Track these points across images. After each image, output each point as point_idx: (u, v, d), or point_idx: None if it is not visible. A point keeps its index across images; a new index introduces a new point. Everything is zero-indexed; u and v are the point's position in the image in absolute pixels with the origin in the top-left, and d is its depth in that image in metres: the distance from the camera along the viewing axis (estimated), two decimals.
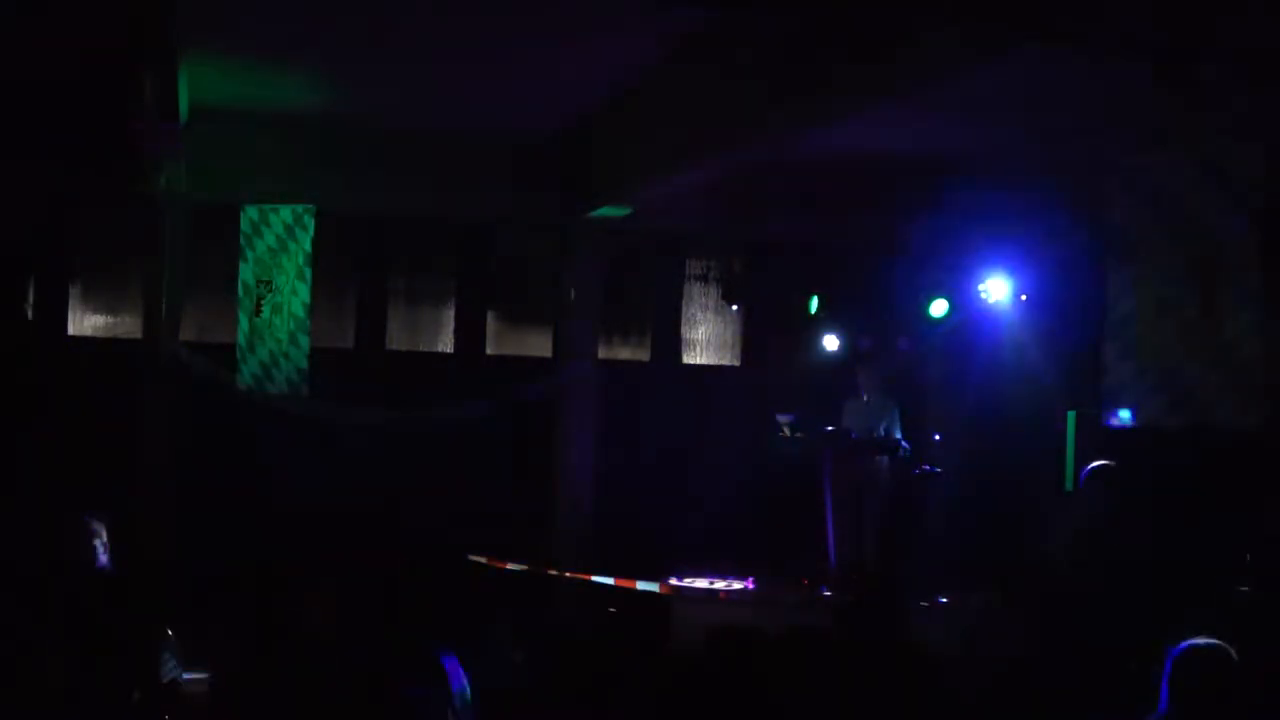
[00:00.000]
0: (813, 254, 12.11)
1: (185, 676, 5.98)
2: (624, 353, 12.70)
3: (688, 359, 12.91)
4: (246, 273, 10.72)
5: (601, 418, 11.87)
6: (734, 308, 12.24)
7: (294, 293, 10.76)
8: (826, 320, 12.05)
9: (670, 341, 12.80)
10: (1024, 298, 11.25)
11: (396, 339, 12.21)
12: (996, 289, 11.40)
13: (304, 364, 10.68)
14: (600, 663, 4.90)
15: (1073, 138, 10.09)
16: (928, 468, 11.30)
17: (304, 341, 10.68)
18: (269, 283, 10.74)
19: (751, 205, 11.72)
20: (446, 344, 12.34)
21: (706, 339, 12.91)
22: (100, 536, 5.88)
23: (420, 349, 12.29)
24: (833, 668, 4.46)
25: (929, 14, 6.24)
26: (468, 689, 4.80)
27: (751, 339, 12.93)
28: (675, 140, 9.41)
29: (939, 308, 11.61)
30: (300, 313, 10.75)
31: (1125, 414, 7.44)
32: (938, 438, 11.68)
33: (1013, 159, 11.03)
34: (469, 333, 12.28)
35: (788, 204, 11.69)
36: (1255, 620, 7.07)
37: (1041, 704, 4.73)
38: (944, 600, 10.09)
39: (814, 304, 12.02)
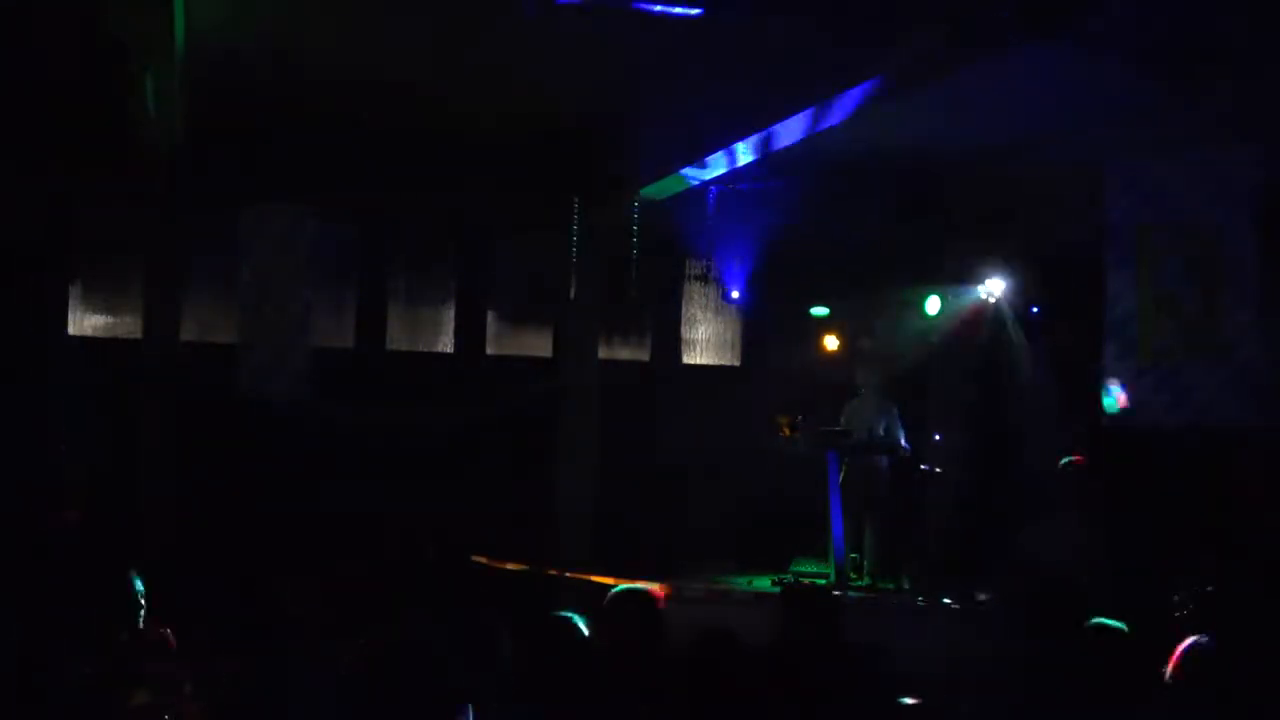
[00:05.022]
0: (813, 253, 12.09)
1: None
2: (624, 353, 12.70)
3: (688, 359, 12.90)
4: (246, 273, 10.72)
5: (601, 418, 11.87)
6: (736, 294, 12.22)
7: (294, 293, 10.76)
8: (827, 320, 12.06)
9: (670, 341, 12.79)
10: (1035, 310, 11.24)
11: (396, 339, 12.20)
12: (996, 289, 11.41)
13: (304, 364, 10.68)
14: (598, 662, 4.89)
15: (1073, 138, 10.10)
16: (927, 468, 11.30)
17: (304, 341, 10.68)
18: (269, 283, 10.74)
19: (752, 204, 11.73)
20: (446, 344, 12.33)
21: (706, 339, 12.90)
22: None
23: (420, 349, 12.28)
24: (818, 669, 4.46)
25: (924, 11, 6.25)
26: None
27: (751, 339, 12.93)
28: (675, 140, 9.42)
29: (933, 305, 11.63)
30: (300, 313, 10.75)
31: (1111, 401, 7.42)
32: (938, 438, 11.67)
33: (1013, 159, 11.04)
34: (469, 333, 12.27)
35: (788, 203, 11.69)
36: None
37: (1041, 702, 4.73)
38: (944, 600, 10.09)
39: (817, 309, 12.04)
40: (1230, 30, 6.86)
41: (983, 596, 9.73)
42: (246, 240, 10.71)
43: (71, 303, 11.45)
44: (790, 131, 8.91)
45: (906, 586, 10.63)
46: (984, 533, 10.91)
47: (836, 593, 10.04)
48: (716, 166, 9.94)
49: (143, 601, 5.85)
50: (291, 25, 8.57)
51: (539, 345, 12.44)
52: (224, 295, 11.07)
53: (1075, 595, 5.55)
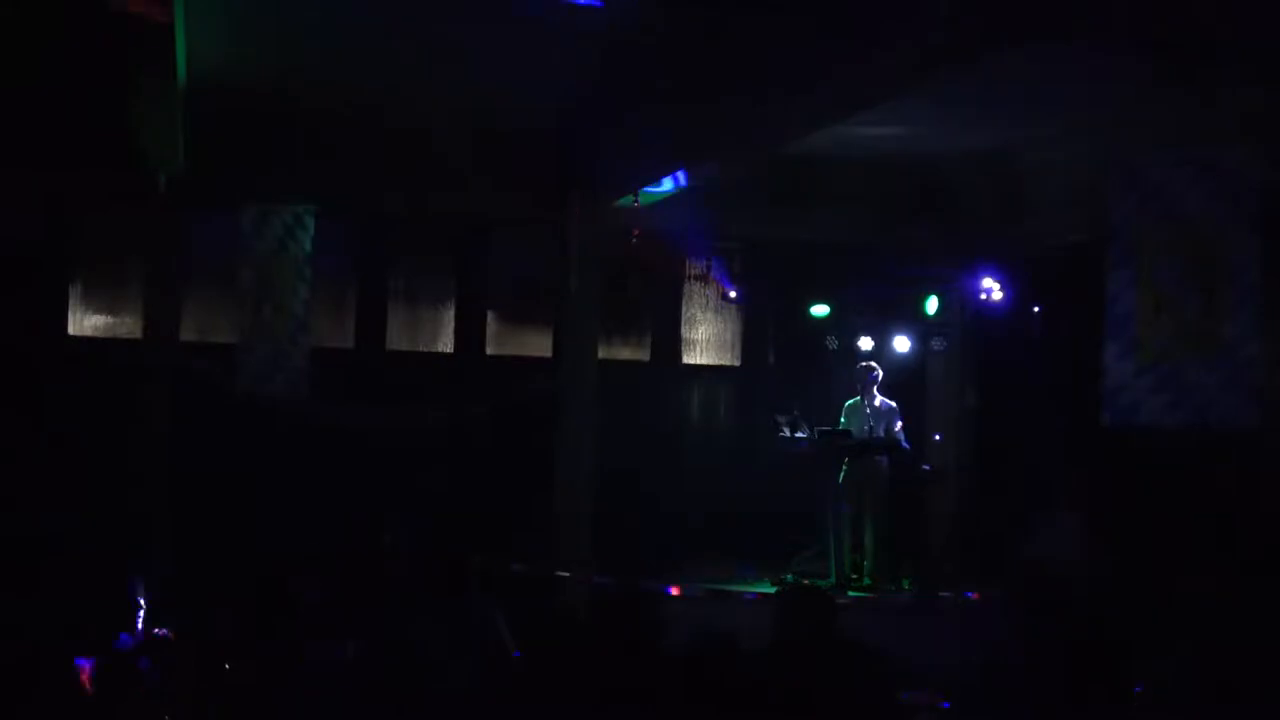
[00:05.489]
0: (813, 254, 12.09)
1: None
2: (624, 353, 12.69)
3: (688, 359, 12.89)
4: (246, 273, 10.72)
5: (601, 418, 11.86)
6: (733, 293, 12.22)
7: (294, 293, 10.76)
8: (828, 320, 12.07)
9: (670, 341, 12.79)
10: (1036, 309, 11.25)
11: (396, 339, 12.20)
12: (996, 289, 11.41)
13: (304, 364, 10.68)
14: (598, 662, 4.89)
15: (1074, 138, 10.10)
16: (927, 468, 11.30)
17: (304, 341, 10.68)
18: (269, 283, 10.74)
19: (752, 204, 11.73)
20: (446, 344, 12.32)
21: (706, 339, 12.90)
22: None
23: (420, 349, 12.28)
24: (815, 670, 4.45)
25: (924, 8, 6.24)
26: None
27: (751, 339, 12.92)
28: (673, 139, 9.40)
29: (933, 305, 11.65)
30: (300, 313, 10.75)
31: None
32: (938, 438, 11.68)
33: (1013, 159, 11.04)
34: (469, 333, 12.27)
35: (788, 203, 11.69)
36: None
37: (1037, 702, 4.74)
38: (943, 598, 10.10)
39: (817, 309, 12.03)
40: (1232, 30, 6.85)
41: (980, 596, 9.73)
42: (246, 240, 10.71)
43: (71, 303, 11.45)
44: (782, 136, 8.89)
45: (906, 586, 10.64)
46: (984, 533, 10.93)
47: (836, 593, 10.05)
48: (709, 169, 9.94)
49: (142, 602, 5.85)
50: (291, 34, 8.59)
51: (539, 345, 12.44)
52: (224, 295, 11.07)
53: (1073, 594, 5.55)
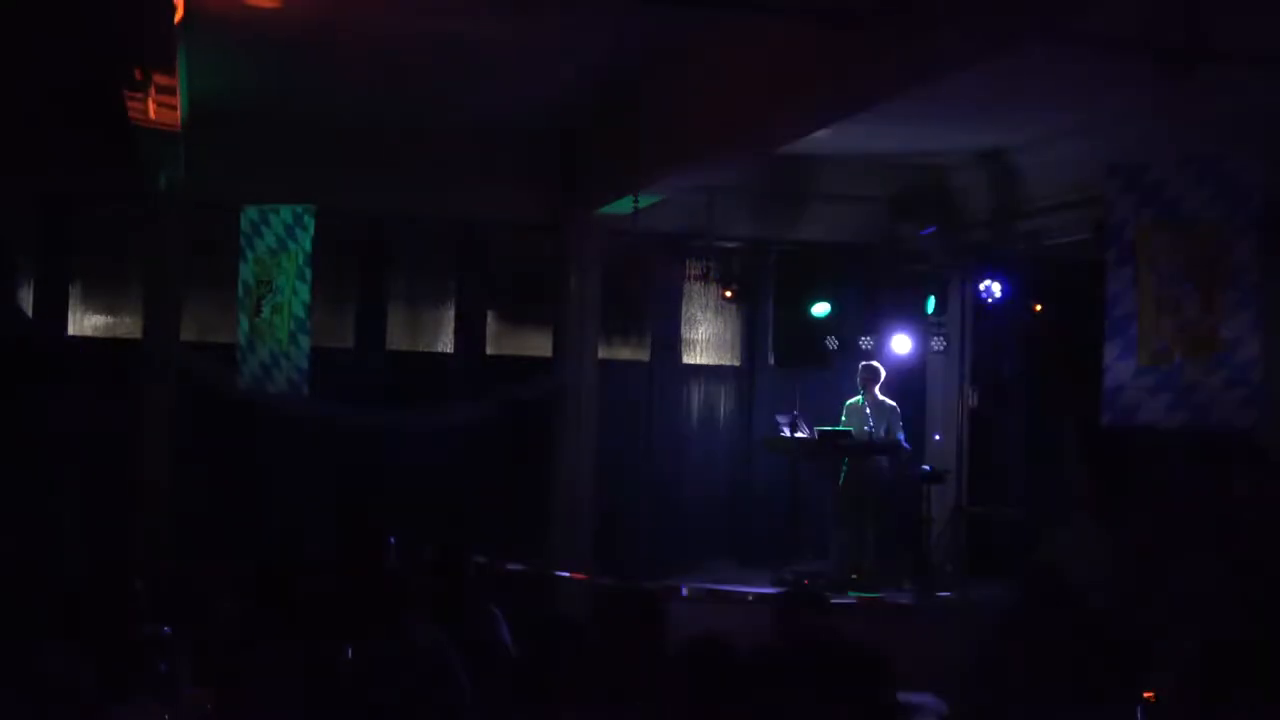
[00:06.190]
0: (813, 254, 12.09)
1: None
2: (624, 353, 12.68)
3: (688, 359, 12.89)
4: (246, 273, 10.71)
5: (601, 418, 11.86)
6: (729, 294, 12.21)
7: (294, 293, 10.74)
8: (828, 320, 12.05)
9: (670, 341, 12.78)
10: (1038, 308, 11.23)
11: (396, 339, 12.19)
12: (996, 289, 11.40)
13: (304, 364, 10.66)
14: (598, 663, 4.89)
15: (1074, 138, 10.11)
16: (927, 468, 11.30)
17: (304, 341, 10.66)
18: (269, 283, 10.73)
19: (752, 204, 11.73)
20: (446, 344, 12.32)
21: (706, 339, 12.89)
22: None
23: (420, 349, 12.27)
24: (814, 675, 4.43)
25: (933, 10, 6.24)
26: None
27: (751, 339, 12.91)
28: (674, 140, 9.40)
29: (932, 305, 11.66)
30: (300, 313, 10.72)
31: None
32: (938, 438, 11.68)
33: (1014, 159, 11.05)
34: (469, 333, 12.26)
35: (788, 203, 11.70)
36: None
37: (1040, 703, 4.74)
38: (943, 598, 10.10)
39: (817, 309, 12.01)
40: (1231, 31, 6.86)
41: (978, 596, 9.73)
42: (246, 240, 10.71)
43: (71, 303, 11.44)
44: (781, 139, 8.88)
45: (906, 587, 10.64)
46: (984, 533, 10.93)
47: (836, 593, 10.05)
48: (710, 170, 9.94)
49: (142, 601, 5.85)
50: (291, 46, 8.60)
51: (539, 345, 12.43)
52: (224, 295, 11.07)
53: (1076, 594, 5.55)
